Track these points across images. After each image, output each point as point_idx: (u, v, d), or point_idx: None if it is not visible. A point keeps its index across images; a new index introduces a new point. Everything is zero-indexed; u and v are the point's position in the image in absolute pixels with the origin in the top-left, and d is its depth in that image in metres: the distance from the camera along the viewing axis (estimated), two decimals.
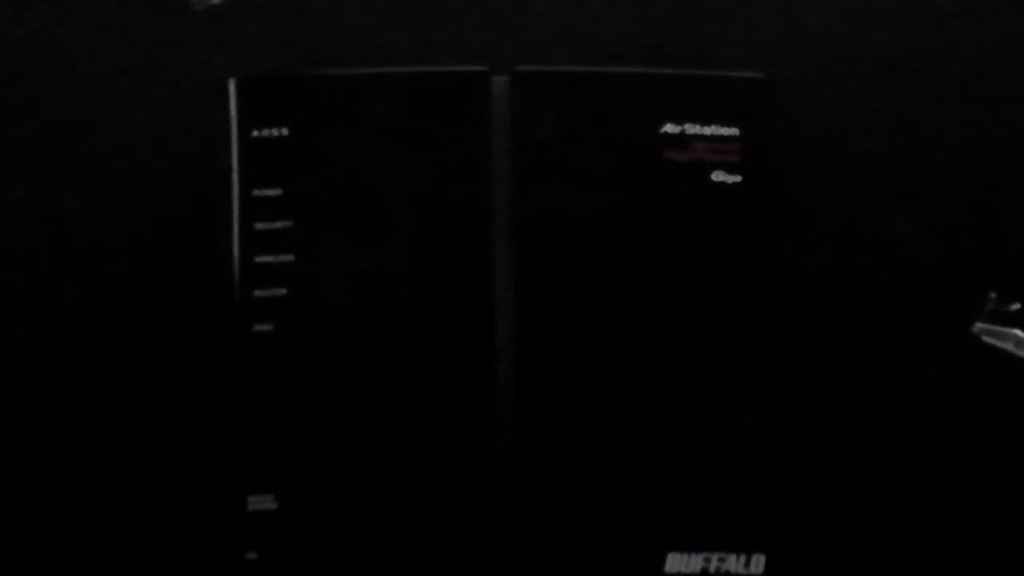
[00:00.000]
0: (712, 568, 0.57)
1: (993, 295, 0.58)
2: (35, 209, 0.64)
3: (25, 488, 0.62)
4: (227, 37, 0.65)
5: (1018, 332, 0.60)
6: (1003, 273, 0.64)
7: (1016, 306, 0.59)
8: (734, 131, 0.58)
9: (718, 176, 0.58)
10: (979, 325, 0.60)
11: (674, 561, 0.56)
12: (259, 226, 0.57)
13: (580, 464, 0.57)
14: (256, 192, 0.57)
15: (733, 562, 0.57)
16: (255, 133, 0.57)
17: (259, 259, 0.57)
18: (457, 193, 0.57)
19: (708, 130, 0.58)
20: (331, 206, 0.57)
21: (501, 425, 0.57)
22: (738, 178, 0.58)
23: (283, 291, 0.57)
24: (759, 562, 0.57)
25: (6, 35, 0.65)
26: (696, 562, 0.57)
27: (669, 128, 0.58)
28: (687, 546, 0.57)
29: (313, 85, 0.58)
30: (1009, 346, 0.60)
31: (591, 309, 0.57)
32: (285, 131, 0.57)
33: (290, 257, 0.57)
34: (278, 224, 0.57)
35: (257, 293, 0.57)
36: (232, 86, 0.58)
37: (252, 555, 0.56)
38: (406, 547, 0.56)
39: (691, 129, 0.58)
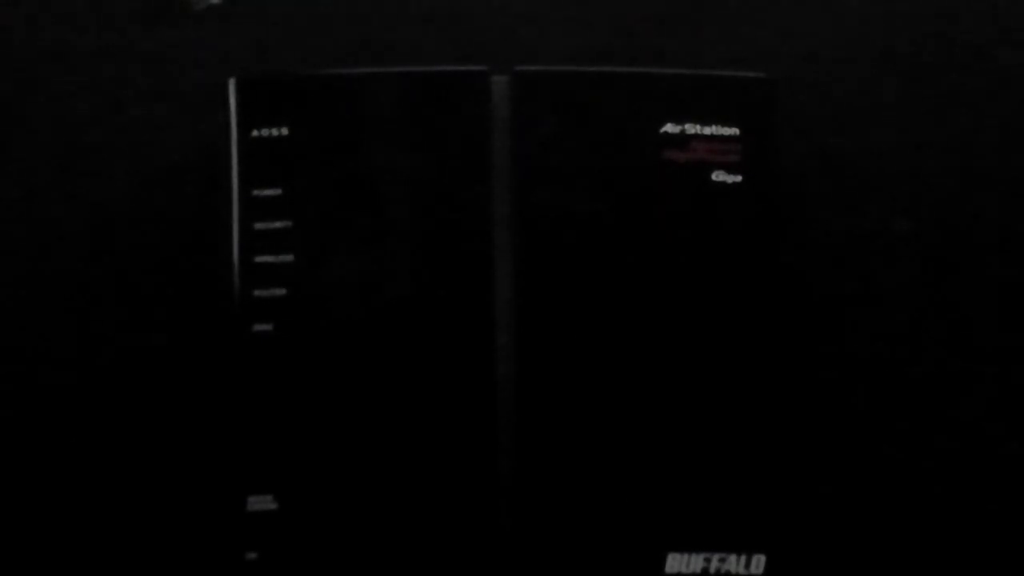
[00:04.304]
0: (712, 568, 0.57)
1: None
2: (34, 209, 0.64)
3: (26, 488, 0.62)
4: (227, 37, 0.65)
5: None
6: (1004, 271, 0.64)
7: None
8: (734, 131, 0.58)
9: (718, 176, 0.58)
10: None
11: (674, 561, 0.56)
12: (259, 226, 0.57)
13: (580, 464, 0.57)
14: (256, 192, 0.57)
15: (733, 562, 0.57)
16: (255, 133, 0.57)
17: (259, 259, 0.57)
18: (457, 193, 0.57)
19: (708, 130, 0.58)
20: (331, 206, 0.57)
21: (501, 425, 0.57)
22: (738, 178, 0.58)
23: (283, 291, 0.57)
24: (759, 562, 0.57)
25: (6, 36, 0.65)
26: (696, 562, 0.57)
27: (669, 128, 0.58)
28: (687, 546, 0.57)
29: (313, 85, 0.58)
30: None
31: (591, 309, 0.57)
32: (285, 131, 0.57)
33: (290, 257, 0.57)
34: (278, 224, 0.57)
35: (257, 293, 0.57)
36: (232, 86, 0.58)
37: (252, 555, 0.56)
38: (406, 547, 0.56)
39: (691, 129, 0.58)
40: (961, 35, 0.66)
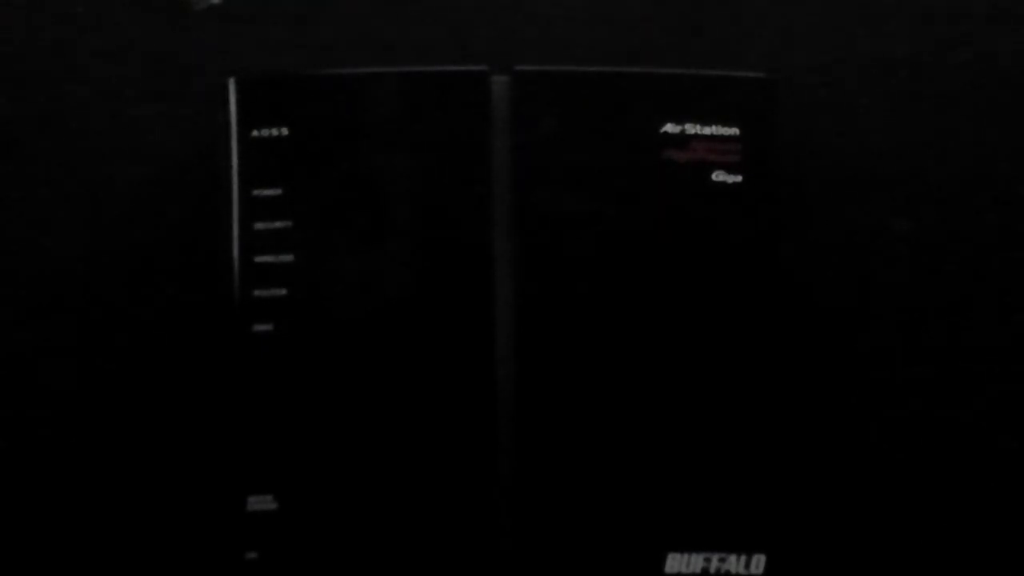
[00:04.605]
0: (712, 568, 0.57)
1: None
2: (34, 209, 0.64)
3: (26, 488, 0.62)
4: (227, 37, 0.65)
5: None
6: (1004, 271, 0.64)
7: None
8: (734, 131, 0.58)
9: (718, 176, 0.58)
10: None
11: (674, 561, 0.56)
12: (259, 226, 0.57)
13: (580, 464, 0.57)
14: (256, 192, 0.57)
15: (733, 562, 0.57)
16: (255, 133, 0.57)
17: (259, 259, 0.57)
18: (457, 193, 0.57)
19: (708, 130, 0.58)
20: (331, 206, 0.57)
21: (501, 425, 0.57)
22: (738, 178, 0.58)
23: (283, 291, 0.57)
24: (759, 562, 0.57)
25: (5, 36, 0.65)
26: (696, 562, 0.57)
27: (669, 128, 0.58)
28: (687, 546, 0.57)
29: (313, 85, 0.58)
30: None
31: (591, 309, 0.57)
32: (285, 131, 0.57)
33: (290, 257, 0.57)
34: (278, 224, 0.57)
35: (257, 293, 0.57)
36: (232, 86, 0.58)
37: (252, 555, 0.56)
38: (406, 547, 0.56)
39: (691, 129, 0.58)
40: (961, 35, 0.66)
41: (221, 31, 0.66)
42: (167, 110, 0.64)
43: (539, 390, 0.57)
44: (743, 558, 0.57)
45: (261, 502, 0.56)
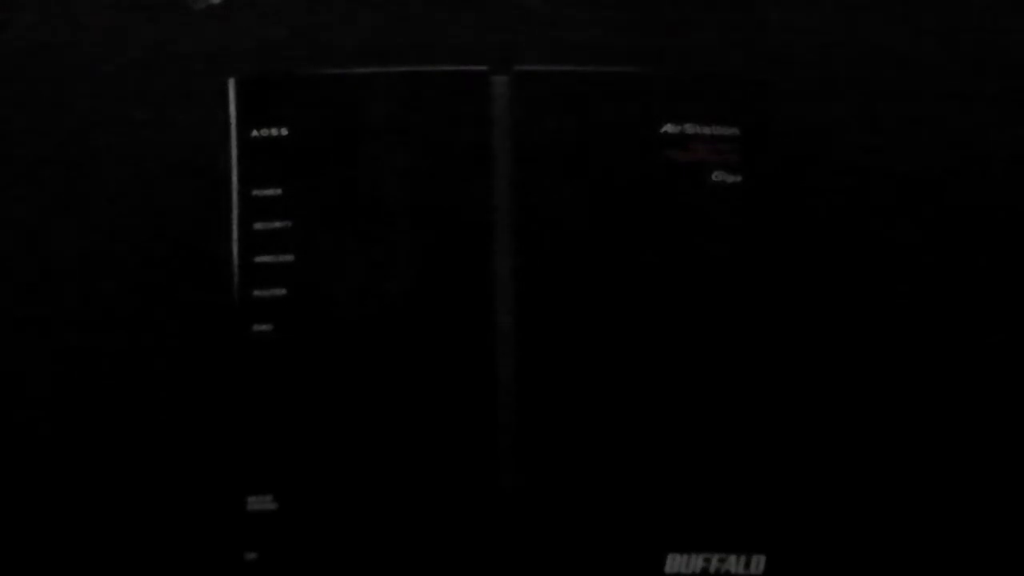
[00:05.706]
0: (712, 568, 0.57)
1: None
2: (35, 208, 0.64)
3: (26, 488, 0.62)
4: (227, 37, 0.65)
5: None
6: (1004, 272, 0.64)
7: None
8: (734, 131, 0.58)
9: (718, 176, 0.58)
10: None
11: (674, 561, 0.56)
12: (259, 226, 0.57)
13: (580, 464, 0.57)
14: (256, 192, 0.57)
15: (733, 562, 0.57)
16: (255, 133, 0.57)
17: (259, 259, 0.57)
18: (457, 193, 0.57)
19: (708, 130, 0.58)
20: (331, 206, 0.57)
21: (501, 424, 0.57)
22: (738, 178, 0.58)
23: (283, 291, 0.57)
24: (759, 562, 0.57)
25: (5, 36, 0.65)
26: (696, 562, 0.57)
27: (669, 128, 0.58)
28: (687, 546, 0.57)
29: (313, 85, 0.58)
30: None
31: (591, 309, 0.57)
32: (285, 131, 0.57)
33: (290, 257, 0.57)
34: (278, 224, 0.57)
35: (257, 293, 0.57)
36: (232, 86, 0.58)
37: (252, 555, 0.56)
38: (406, 547, 0.56)
39: (691, 129, 0.58)
40: (961, 35, 0.66)
41: (221, 31, 0.66)
42: (167, 110, 0.64)
43: (539, 391, 0.57)
44: (743, 558, 0.57)
45: (261, 502, 0.56)
